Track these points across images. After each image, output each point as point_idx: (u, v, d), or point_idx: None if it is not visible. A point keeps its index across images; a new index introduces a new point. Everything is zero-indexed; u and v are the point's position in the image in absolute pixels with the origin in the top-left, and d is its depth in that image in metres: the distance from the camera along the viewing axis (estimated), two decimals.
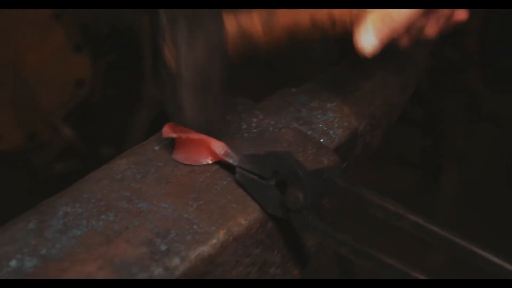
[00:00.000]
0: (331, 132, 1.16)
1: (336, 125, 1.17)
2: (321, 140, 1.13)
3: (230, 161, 1.04)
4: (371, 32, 1.04)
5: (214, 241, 0.98)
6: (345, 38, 1.09)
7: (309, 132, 1.14)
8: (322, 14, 1.07)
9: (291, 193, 0.99)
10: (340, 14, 1.07)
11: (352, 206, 1.02)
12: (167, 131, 1.07)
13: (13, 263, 0.94)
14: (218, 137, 1.06)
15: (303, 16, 1.07)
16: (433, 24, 1.09)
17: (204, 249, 0.97)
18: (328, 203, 1.11)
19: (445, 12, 1.09)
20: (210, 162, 1.06)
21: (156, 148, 1.10)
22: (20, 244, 0.96)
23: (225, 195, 1.03)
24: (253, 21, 1.07)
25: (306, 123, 1.16)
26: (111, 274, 0.92)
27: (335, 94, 1.21)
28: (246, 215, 1.01)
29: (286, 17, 1.07)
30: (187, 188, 1.03)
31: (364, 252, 0.97)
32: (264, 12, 1.06)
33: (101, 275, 0.92)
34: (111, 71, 3.01)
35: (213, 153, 1.06)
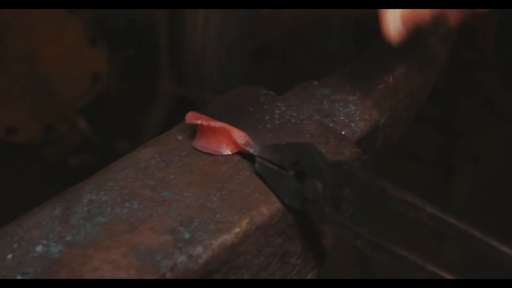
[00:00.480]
0: (352, 124, 1.16)
1: (358, 118, 1.17)
2: (343, 133, 1.14)
3: (251, 150, 1.05)
4: (397, 17, 1.04)
5: (237, 230, 0.98)
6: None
7: (331, 124, 1.14)
8: None
9: (310, 183, 1.00)
10: None
11: (372, 198, 1.02)
12: (190, 118, 1.08)
13: (39, 248, 0.95)
14: (240, 127, 1.07)
15: None
16: (456, 11, 1.10)
17: (227, 238, 0.98)
18: (349, 195, 1.11)
19: None
20: (230, 152, 1.07)
21: (179, 138, 1.11)
22: (46, 230, 0.97)
23: (248, 185, 1.03)
24: None
25: (328, 115, 1.16)
26: (134, 262, 0.93)
27: (357, 87, 1.21)
28: (268, 205, 1.02)
29: None
30: (210, 178, 1.04)
31: (379, 246, 0.97)
32: None
33: (125, 262, 0.93)
34: (127, 65, 3.02)
35: (233, 143, 1.06)
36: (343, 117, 1.17)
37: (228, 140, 1.07)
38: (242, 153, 1.07)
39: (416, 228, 1.36)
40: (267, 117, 1.13)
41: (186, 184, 1.03)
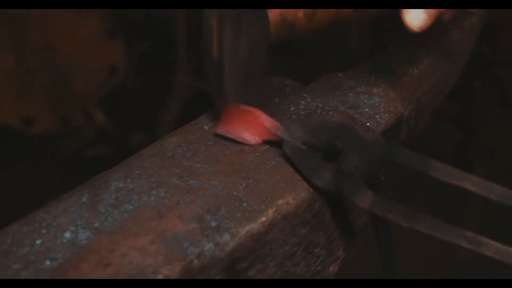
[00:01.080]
0: (377, 116, 1.16)
1: (382, 110, 1.17)
2: (367, 124, 1.14)
3: (279, 133, 1.05)
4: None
5: (263, 219, 0.99)
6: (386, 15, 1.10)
7: (355, 116, 1.14)
8: None
9: (347, 156, 1.01)
10: None
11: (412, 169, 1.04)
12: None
13: (67, 234, 0.96)
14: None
15: None
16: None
17: (254, 226, 0.98)
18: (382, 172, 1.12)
19: None
20: (254, 142, 1.07)
21: (206, 127, 1.11)
22: (74, 216, 0.98)
23: (274, 174, 1.04)
24: (295, 11, 1.08)
25: (352, 107, 1.17)
26: (162, 248, 0.94)
27: (382, 79, 1.21)
28: (294, 195, 1.02)
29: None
30: (236, 167, 1.05)
31: (413, 216, 0.98)
32: None
33: (152, 249, 0.94)
34: (145, 58, 3.03)
35: (260, 128, 1.06)
36: (368, 109, 1.17)
37: (254, 125, 1.07)
38: (268, 142, 1.07)
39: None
40: (292, 108, 1.14)
41: (212, 173, 1.03)
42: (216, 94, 1.09)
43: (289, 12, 1.07)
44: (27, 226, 0.96)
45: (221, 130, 1.09)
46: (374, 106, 1.18)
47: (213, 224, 0.97)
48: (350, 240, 1.14)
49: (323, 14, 1.09)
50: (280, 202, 1.01)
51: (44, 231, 0.96)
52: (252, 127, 1.07)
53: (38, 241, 0.95)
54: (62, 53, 2.92)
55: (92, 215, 0.98)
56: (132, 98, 3.06)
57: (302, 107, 1.14)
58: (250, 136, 1.08)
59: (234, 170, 1.04)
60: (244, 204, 1.00)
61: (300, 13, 1.07)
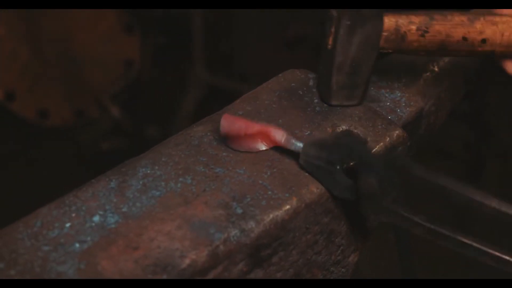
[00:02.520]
0: (398, 110, 1.19)
1: (403, 104, 1.19)
2: (389, 118, 1.16)
3: (292, 148, 1.06)
4: None
5: (288, 207, 1.01)
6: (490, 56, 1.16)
7: (377, 109, 1.16)
8: (474, 31, 1.12)
9: (365, 180, 1.01)
10: (491, 34, 1.13)
11: (429, 194, 1.04)
12: (225, 125, 1.08)
13: (96, 218, 0.98)
14: (290, 110, 1.09)
15: (457, 30, 1.12)
16: None
17: (278, 214, 1.00)
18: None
19: None
20: (265, 148, 1.08)
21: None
22: (103, 201, 1.00)
23: (297, 164, 1.06)
24: (410, 23, 1.12)
25: (374, 101, 1.19)
26: (189, 234, 0.96)
27: (403, 75, 1.24)
28: (317, 184, 1.04)
29: (441, 27, 1.12)
30: (261, 156, 1.07)
31: (439, 232, 1.00)
32: (422, 17, 1.11)
33: (179, 234, 0.96)
34: (161, 52, 3.05)
35: (271, 141, 1.07)
36: (389, 103, 1.19)
37: (266, 139, 1.07)
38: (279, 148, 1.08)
39: None
40: (316, 100, 1.16)
41: (238, 162, 1.06)
42: (323, 81, 1.14)
43: (404, 23, 1.11)
44: (57, 210, 0.99)
45: (233, 146, 1.08)
46: (395, 100, 1.20)
47: (239, 211, 1.00)
48: (369, 232, 1.15)
49: (436, 34, 1.13)
50: (303, 191, 1.03)
51: (73, 215, 0.98)
52: (261, 142, 1.08)
53: (68, 224, 0.97)
54: (79, 46, 2.95)
55: (120, 200, 1.00)
56: (148, 92, 3.08)
57: None
58: (261, 146, 1.08)
59: (259, 159, 1.06)
60: (269, 192, 1.02)
61: (414, 26, 1.11)
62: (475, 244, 0.98)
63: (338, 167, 1.03)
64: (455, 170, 2.79)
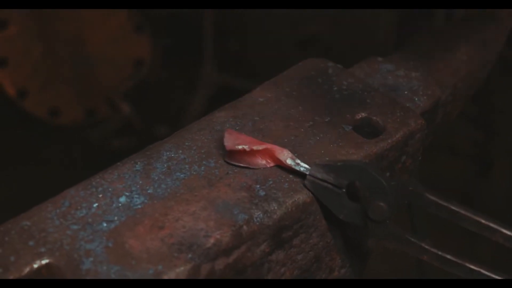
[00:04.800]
0: (416, 99, 1.21)
1: (421, 93, 1.22)
2: (407, 105, 1.18)
3: (297, 168, 1.04)
4: None
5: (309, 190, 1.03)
6: None
7: (395, 98, 1.18)
8: None
9: (375, 204, 1.01)
10: None
11: (441, 218, 1.06)
12: (229, 141, 1.06)
13: (122, 199, 1.00)
14: (310, 97, 1.11)
15: None
16: None
17: (300, 197, 1.02)
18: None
19: None
20: (267, 165, 1.06)
21: (253, 104, 1.15)
22: (129, 182, 1.02)
23: (318, 149, 1.08)
24: None
25: (392, 90, 1.21)
26: (213, 214, 0.98)
27: (420, 64, 1.26)
28: None
29: None
30: (282, 142, 1.09)
31: (447, 259, 1.01)
32: None
33: (204, 215, 0.98)
34: (171, 52, 3.07)
35: (275, 160, 1.06)
36: (407, 92, 1.21)
37: (269, 158, 1.06)
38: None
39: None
40: (335, 88, 1.18)
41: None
42: None
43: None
44: (84, 191, 1.01)
45: (232, 160, 1.06)
46: (413, 89, 1.22)
47: (262, 193, 1.02)
48: None
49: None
50: None
51: (100, 196, 1.00)
52: (264, 160, 1.06)
53: (95, 205, 0.99)
54: (90, 45, 2.97)
55: (146, 182, 1.02)
56: (158, 91, 3.10)
57: (344, 87, 1.18)
58: (263, 163, 1.06)
59: (281, 144, 1.08)
60: (291, 176, 1.04)
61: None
62: (483, 271, 0.99)
63: (345, 190, 1.03)
64: (464, 169, 2.81)
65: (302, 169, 1.04)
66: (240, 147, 1.05)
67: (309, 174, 1.04)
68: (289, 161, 1.05)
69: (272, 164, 1.06)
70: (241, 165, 1.05)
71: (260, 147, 1.05)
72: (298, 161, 1.05)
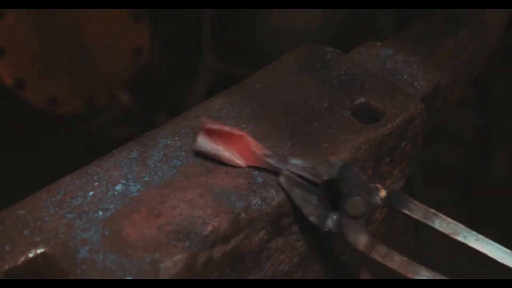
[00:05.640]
0: (415, 83, 1.19)
1: (421, 78, 1.20)
2: (407, 90, 1.17)
3: (273, 162, 1.01)
4: None
5: None
6: None
7: (395, 82, 1.17)
8: None
9: (352, 199, 0.98)
10: None
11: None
12: (205, 122, 1.02)
13: (118, 187, 0.99)
14: (308, 82, 1.10)
15: None
16: None
17: None
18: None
19: None
20: (242, 164, 1.02)
21: (251, 89, 1.14)
22: (124, 170, 1.01)
23: (318, 135, 1.07)
24: None
25: (391, 74, 1.19)
26: (210, 201, 0.97)
27: (420, 49, 1.24)
28: (337, 156, 1.05)
29: None
30: (281, 127, 1.08)
31: (411, 267, 0.96)
32: None
33: (201, 202, 0.97)
34: (170, 40, 3.06)
35: (248, 154, 1.02)
36: (406, 76, 1.20)
37: (242, 148, 1.02)
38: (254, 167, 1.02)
39: None
40: (333, 73, 1.16)
41: (258, 132, 1.06)
42: None
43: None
44: (80, 179, 1.00)
45: (201, 147, 1.02)
46: (412, 74, 1.21)
47: (260, 180, 1.00)
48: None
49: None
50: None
51: (96, 184, 0.99)
52: (239, 149, 1.02)
53: (91, 193, 0.98)
54: (88, 35, 2.95)
55: (142, 169, 1.01)
56: (157, 79, 3.09)
57: (343, 72, 1.16)
58: (237, 159, 1.02)
59: (279, 130, 1.07)
60: None
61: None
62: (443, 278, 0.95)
63: (324, 180, 1.00)
64: (465, 155, 2.80)
65: (280, 166, 1.00)
66: (217, 126, 1.01)
67: (287, 169, 1.00)
68: (263, 156, 1.01)
69: (247, 164, 1.01)
70: (211, 152, 1.01)
71: (238, 132, 1.01)
72: (276, 157, 1.01)
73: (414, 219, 1.00)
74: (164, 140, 1.05)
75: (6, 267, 0.89)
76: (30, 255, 0.90)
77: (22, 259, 0.90)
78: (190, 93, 2.98)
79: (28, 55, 2.90)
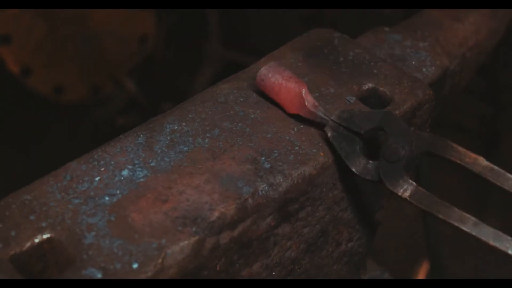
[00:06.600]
0: (424, 69, 1.18)
1: (429, 63, 1.19)
2: (415, 76, 1.16)
3: (321, 114, 1.04)
4: None
5: (315, 162, 1.01)
6: None
7: (403, 68, 1.16)
8: None
9: (392, 145, 1.01)
10: None
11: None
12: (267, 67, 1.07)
13: (125, 172, 0.98)
14: (316, 68, 1.09)
15: None
16: None
17: (306, 169, 1.00)
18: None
19: None
20: (287, 107, 1.06)
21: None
22: (131, 156, 1.00)
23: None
24: None
25: (399, 60, 1.19)
26: (217, 187, 0.96)
27: (428, 34, 1.23)
28: None
29: None
30: (287, 113, 1.07)
31: (449, 211, 0.99)
32: None
33: (208, 188, 0.96)
34: (175, 28, 3.05)
35: (296, 103, 1.05)
36: (414, 62, 1.19)
37: (293, 98, 1.05)
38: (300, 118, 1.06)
39: None
40: (341, 59, 1.15)
41: (265, 118, 1.06)
42: None
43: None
44: (86, 164, 0.99)
45: (265, 73, 1.07)
46: (421, 59, 1.20)
47: (267, 165, 1.00)
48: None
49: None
50: (331, 146, 1.03)
51: (102, 169, 0.98)
52: (289, 95, 1.05)
53: (97, 178, 0.97)
54: (94, 22, 2.94)
55: (149, 154, 1.00)
56: (163, 67, 3.08)
57: (351, 58, 1.16)
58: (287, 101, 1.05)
59: (286, 116, 1.06)
60: (296, 148, 1.02)
61: None
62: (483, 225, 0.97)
63: (366, 129, 1.02)
64: (472, 144, 2.78)
65: (326, 116, 1.03)
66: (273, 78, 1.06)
67: (332, 119, 1.03)
68: (311, 105, 1.04)
69: (292, 111, 1.05)
70: (271, 80, 1.05)
71: (293, 82, 1.05)
72: (321, 108, 1.04)
73: (457, 164, 1.03)
74: (171, 126, 1.05)
75: (12, 252, 0.88)
76: (36, 240, 0.90)
77: (28, 244, 0.89)
78: (195, 81, 2.97)
79: (34, 43, 2.89)
